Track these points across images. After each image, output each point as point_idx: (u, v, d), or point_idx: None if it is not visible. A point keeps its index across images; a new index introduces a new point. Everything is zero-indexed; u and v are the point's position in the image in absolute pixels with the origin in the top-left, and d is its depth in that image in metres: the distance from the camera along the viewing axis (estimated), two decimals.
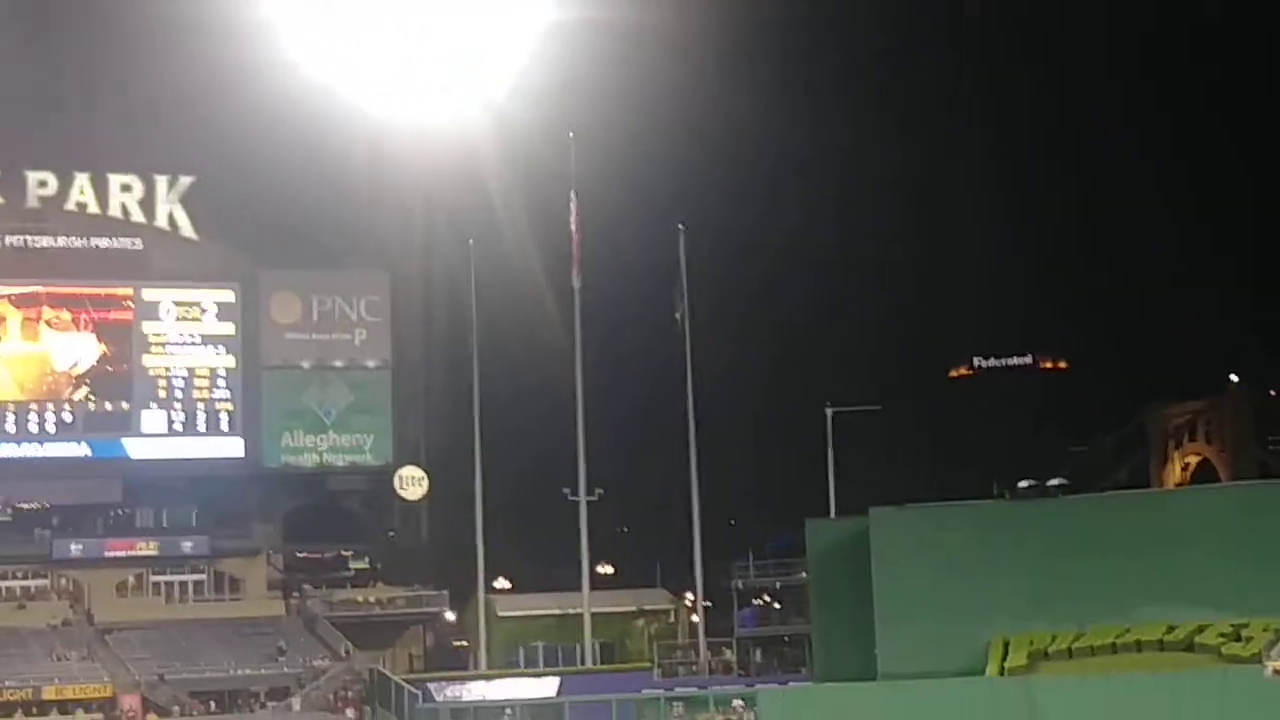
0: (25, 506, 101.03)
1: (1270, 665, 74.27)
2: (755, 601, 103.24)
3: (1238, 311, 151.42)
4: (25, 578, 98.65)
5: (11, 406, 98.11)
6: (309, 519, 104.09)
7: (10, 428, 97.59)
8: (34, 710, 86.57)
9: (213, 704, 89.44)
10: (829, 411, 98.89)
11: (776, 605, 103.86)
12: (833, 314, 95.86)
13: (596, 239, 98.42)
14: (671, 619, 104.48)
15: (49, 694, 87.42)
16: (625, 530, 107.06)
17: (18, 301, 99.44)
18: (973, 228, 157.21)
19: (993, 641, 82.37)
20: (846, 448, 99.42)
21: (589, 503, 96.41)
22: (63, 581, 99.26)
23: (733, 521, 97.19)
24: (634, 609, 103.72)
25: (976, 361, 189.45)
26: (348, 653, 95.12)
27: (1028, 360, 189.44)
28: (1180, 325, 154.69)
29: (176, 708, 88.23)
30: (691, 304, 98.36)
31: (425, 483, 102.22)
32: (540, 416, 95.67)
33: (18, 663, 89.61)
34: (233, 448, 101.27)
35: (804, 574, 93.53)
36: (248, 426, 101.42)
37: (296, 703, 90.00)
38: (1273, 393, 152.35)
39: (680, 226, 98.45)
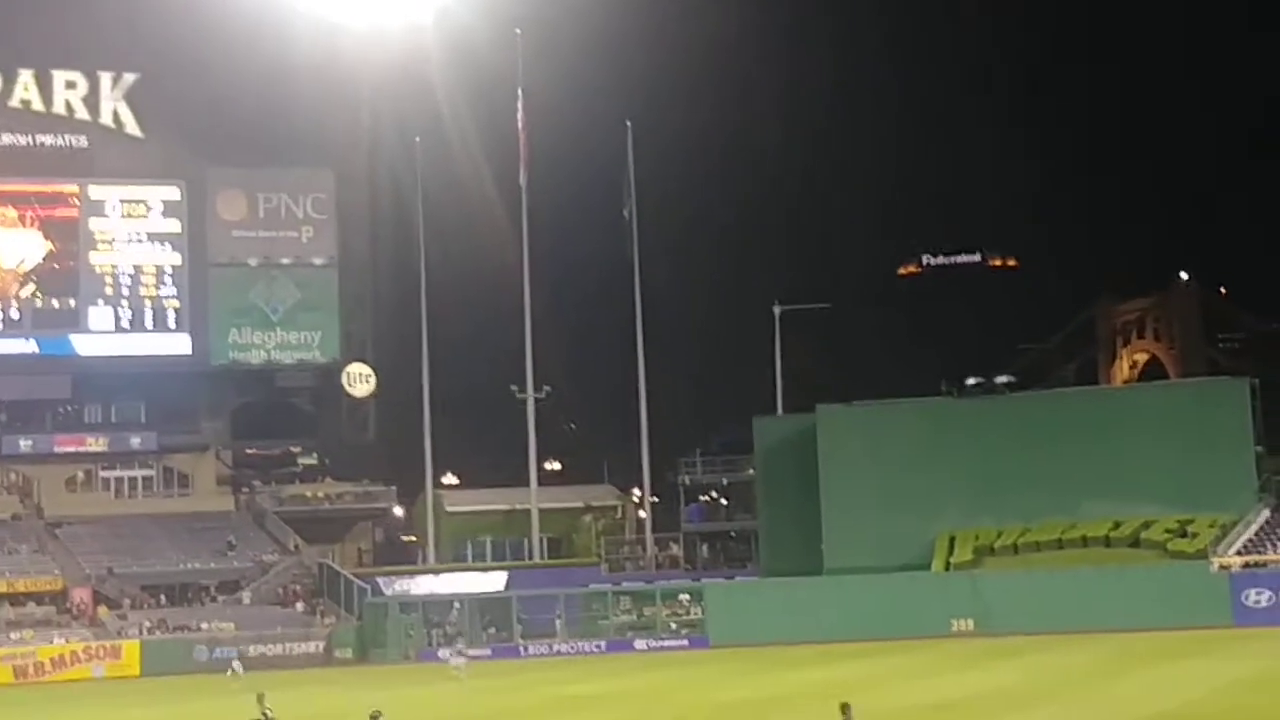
0: None
1: (1216, 561, 75.74)
2: (702, 498, 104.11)
3: (1188, 210, 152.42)
4: None
5: None
6: (257, 415, 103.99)
7: None
8: None
9: (163, 597, 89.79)
10: (777, 309, 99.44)
11: (723, 501, 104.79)
12: (781, 212, 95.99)
13: (544, 137, 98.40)
14: (619, 515, 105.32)
15: (0, 586, 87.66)
16: (573, 427, 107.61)
17: None
18: (923, 126, 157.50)
19: (939, 537, 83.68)
20: (794, 345, 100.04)
21: (537, 400, 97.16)
22: (12, 476, 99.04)
23: (680, 418, 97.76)
24: (581, 505, 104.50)
25: (925, 259, 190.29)
26: (297, 547, 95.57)
27: (976, 258, 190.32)
28: (1130, 223, 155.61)
29: (127, 601, 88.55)
30: (640, 202, 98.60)
31: (373, 380, 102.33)
32: (488, 314, 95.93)
33: None
34: (180, 345, 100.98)
35: (751, 470, 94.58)
36: (195, 323, 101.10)
37: (246, 596, 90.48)
38: (1222, 290, 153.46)
39: (628, 123, 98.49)
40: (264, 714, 36.08)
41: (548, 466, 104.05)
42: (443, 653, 72.24)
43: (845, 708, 24.69)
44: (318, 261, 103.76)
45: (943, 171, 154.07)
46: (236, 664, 69.03)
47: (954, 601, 78.97)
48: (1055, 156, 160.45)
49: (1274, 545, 77.64)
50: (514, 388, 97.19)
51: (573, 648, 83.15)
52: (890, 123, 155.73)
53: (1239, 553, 77.36)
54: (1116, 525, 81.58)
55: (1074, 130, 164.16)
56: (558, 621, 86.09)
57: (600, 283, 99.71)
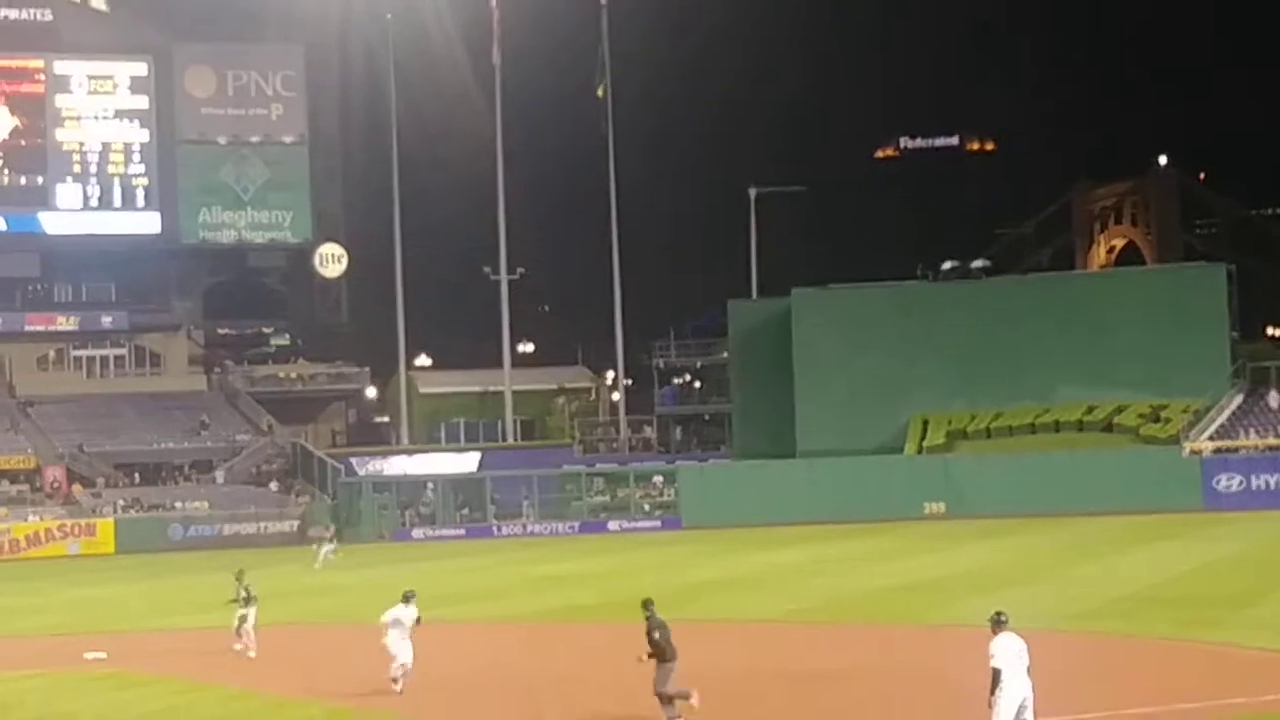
0: None
1: (1188, 446, 76.11)
2: (676, 380, 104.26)
3: (1170, 93, 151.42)
4: None
5: None
6: (229, 295, 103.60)
7: None
8: None
9: (137, 476, 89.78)
10: (752, 192, 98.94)
11: (697, 384, 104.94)
12: (758, 94, 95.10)
13: (517, 15, 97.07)
14: (592, 397, 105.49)
15: None
16: (546, 308, 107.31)
17: None
18: (901, 6, 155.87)
19: (912, 420, 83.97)
20: (770, 229, 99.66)
21: (510, 281, 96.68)
22: None
23: (655, 301, 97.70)
24: (555, 387, 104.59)
25: (903, 143, 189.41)
26: (270, 428, 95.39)
27: (954, 141, 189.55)
28: (1108, 106, 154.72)
29: (101, 479, 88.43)
30: (616, 84, 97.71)
31: (345, 260, 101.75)
32: (461, 194, 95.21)
33: None
34: (149, 223, 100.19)
35: (725, 353, 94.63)
36: (164, 202, 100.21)
37: (220, 476, 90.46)
38: (1201, 176, 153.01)
39: (602, 2, 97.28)
40: (243, 591, 35.92)
41: (521, 348, 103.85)
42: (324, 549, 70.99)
43: (647, 604, 24.99)
44: (288, 140, 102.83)
45: (921, 53, 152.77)
46: (327, 548, 66.83)
47: (926, 485, 79.30)
48: (1036, 37, 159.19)
49: (1245, 431, 78.04)
50: (487, 269, 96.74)
51: (546, 529, 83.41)
52: (870, 2, 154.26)
53: (1211, 438, 77.77)
54: (1090, 410, 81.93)
55: (1055, 9, 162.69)
56: (530, 503, 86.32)
57: (575, 164, 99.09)
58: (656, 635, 24.65)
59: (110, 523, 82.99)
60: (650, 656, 24.67)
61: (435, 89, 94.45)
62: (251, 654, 35.36)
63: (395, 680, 28.94)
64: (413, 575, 58.71)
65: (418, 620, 29.38)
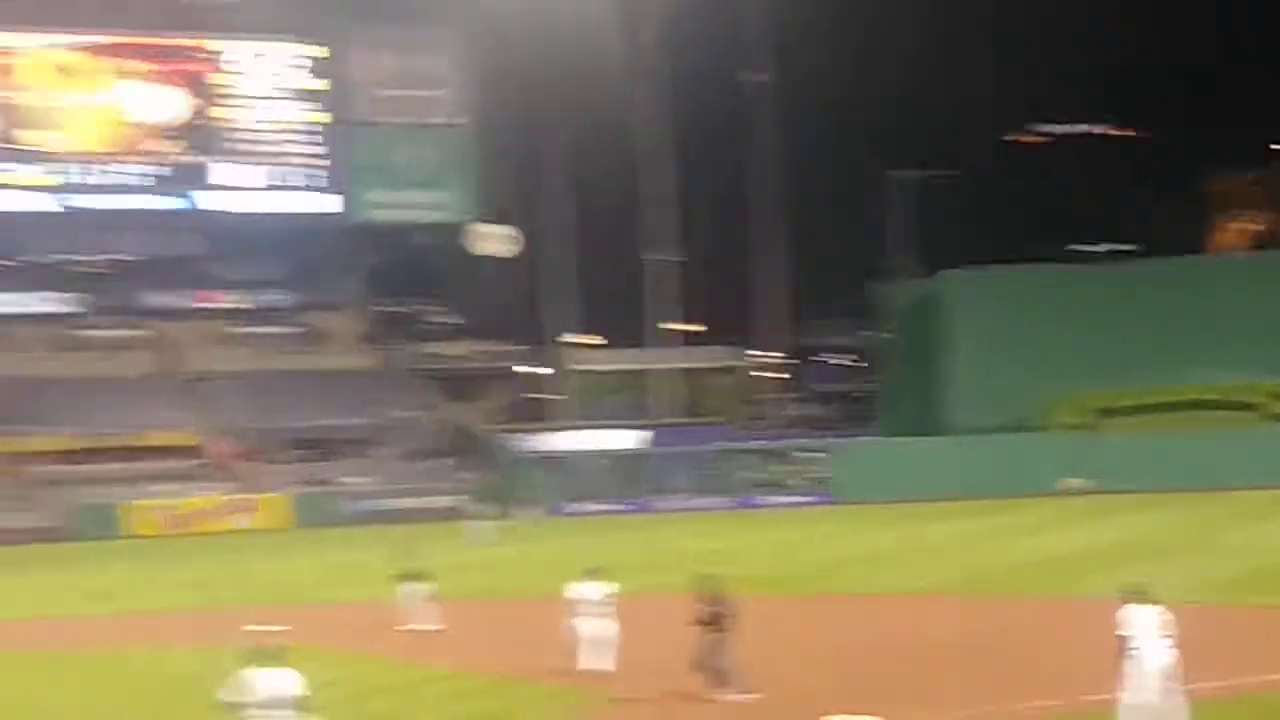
0: (116, 258, 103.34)
1: None
2: (828, 359, 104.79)
3: None
4: (119, 328, 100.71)
5: (100, 158, 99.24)
6: (396, 274, 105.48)
7: (100, 179, 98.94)
8: (130, 456, 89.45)
9: (305, 452, 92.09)
10: (899, 175, 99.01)
11: (849, 363, 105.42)
12: (909, 76, 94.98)
13: None
14: (748, 375, 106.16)
15: (144, 440, 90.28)
16: (705, 287, 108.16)
17: (106, 53, 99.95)
18: None
19: (1055, 398, 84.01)
20: (920, 211, 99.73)
21: (668, 261, 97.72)
22: (155, 332, 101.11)
23: (808, 282, 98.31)
24: (713, 365, 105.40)
25: (1048, 127, 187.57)
26: (434, 405, 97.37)
27: (1098, 127, 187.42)
28: (1246, 93, 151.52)
29: (269, 455, 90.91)
30: (772, 63, 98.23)
31: (508, 239, 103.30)
32: (619, 174, 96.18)
33: (113, 410, 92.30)
34: (319, 203, 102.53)
35: (875, 333, 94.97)
36: (333, 181, 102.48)
37: (386, 452, 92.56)
38: None
39: None
40: (410, 569, 36.42)
41: (679, 327, 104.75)
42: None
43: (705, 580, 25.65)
44: (454, 122, 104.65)
45: (1064, 38, 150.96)
46: (485, 524, 67.95)
47: (1070, 461, 79.35)
48: (1181, 22, 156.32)
49: None
50: (644, 250, 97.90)
51: (702, 504, 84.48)
52: None
53: None
54: (1224, 389, 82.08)
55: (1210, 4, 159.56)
56: (687, 478, 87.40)
57: (731, 144, 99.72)
58: (714, 608, 25.10)
59: (278, 498, 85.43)
60: (702, 624, 25.01)
61: (598, 69, 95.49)
62: (432, 628, 35.28)
63: (583, 659, 27.65)
64: (573, 549, 60.14)
65: (609, 596, 27.96)
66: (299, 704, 18.48)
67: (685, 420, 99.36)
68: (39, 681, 31.65)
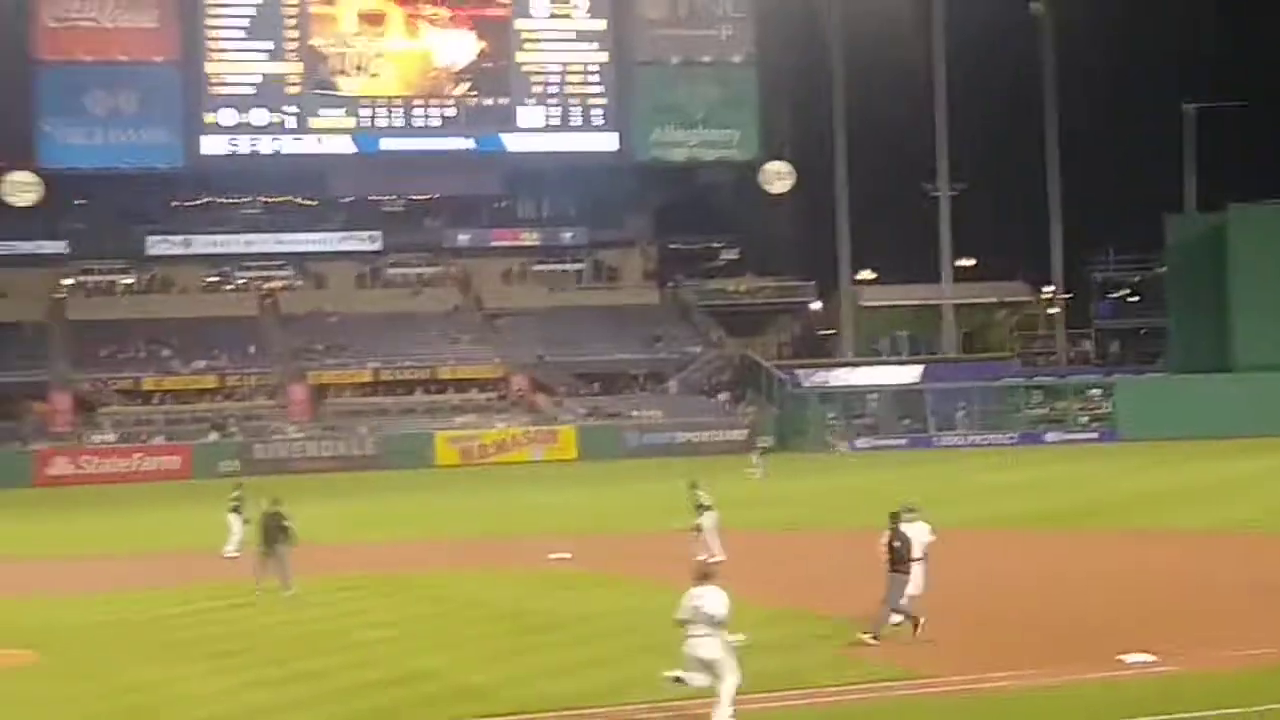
0: (416, 197, 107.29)
1: None
2: (1114, 294, 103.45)
3: None
4: (419, 265, 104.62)
5: (399, 102, 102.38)
6: (681, 211, 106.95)
7: (399, 122, 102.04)
8: (432, 389, 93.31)
9: (595, 386, 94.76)
10: (1190, 108, 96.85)
11: (1135, 298, 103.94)
12: (1196, 7, 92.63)
13: None
14: (1031, 310, 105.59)
15: (445, 374, 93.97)
16: (986, 222, 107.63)
17: (410, 1, 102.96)
18: None
19: None
20: (1208, 144, 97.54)
21: (951, 195, 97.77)
22: (453, 269, 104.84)
23: (1094, 214, 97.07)
24: (994, 300, 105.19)
25: None
26: (719, 340, 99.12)
27: None
28: None
29: (562, 388, 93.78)
30: None
31: (790, 176, 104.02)
32: (902, 108, 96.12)
33: (416, 345, 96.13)
34: (606, 142, 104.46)
35: (1163, 267, 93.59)
36: (620, 121, 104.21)
37: (673, 386, 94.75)
38: None
39: None
40: (696, 500, 37.28)
41: (961, 262, 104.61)
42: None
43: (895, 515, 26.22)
44: (737, 59, 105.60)
45: None
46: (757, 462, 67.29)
47: None
48: None
49: None
50: (927, 185, 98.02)
51: (984, 439, 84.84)
52: None
53: None
54: None
55: None
56: (969, 414, 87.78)
57: (1014, 79, 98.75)
58: (897, 544, 25.32)
59: (571, 430, 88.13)
60: (888, 562, 25.27)
61: (876, 4, 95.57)
62: (719, 558, 35.34)
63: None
64: (856, 485, 61.40)
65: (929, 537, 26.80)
66: (720, 623, 20.08)
67: (968, 356, 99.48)
68: (362, 600, 33.58)
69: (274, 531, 34.03)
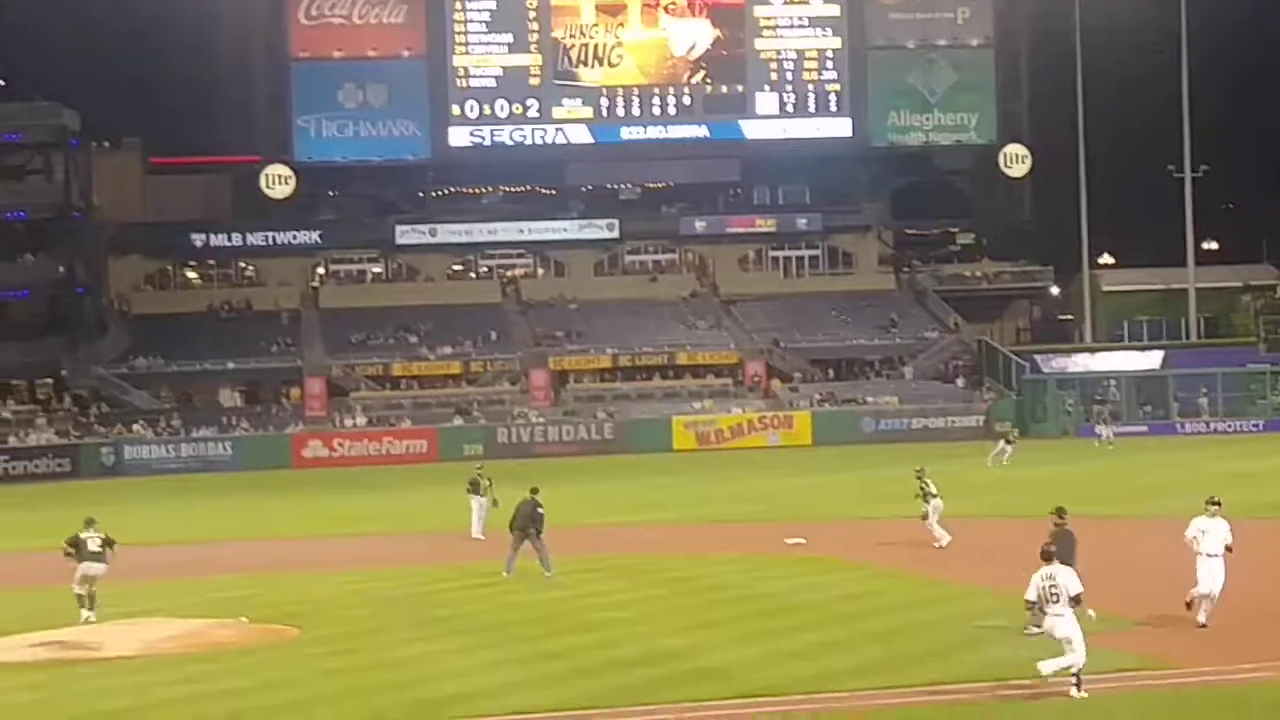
0: (652, 185, 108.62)
1: None
2: None
3: None
4: (656, 252, 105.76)
5: (636, 91, 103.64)
6: (916, 196, 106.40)
7: (636, 111, 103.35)
8: (669, 374, 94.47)
9: (830, 371, 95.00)
10: None
11: None
12: None
13: None
14: (1277, 294, 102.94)
15: (682, 359, 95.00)
16: (1231, 206, 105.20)
17: None
18: None
19: None
20: None
21: (1194, 178, 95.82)
22: (689, 256, 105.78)
23: None
24: (1239, 284, 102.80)
25: None
26: (956, 325, 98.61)
27: None
28: None
29: (797, 374, 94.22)
30: None
31: (1029, 160, 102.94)
32: (1144, 91, 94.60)
33: (654, 331, 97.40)
34: (841, 128, 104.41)
35: None
36: (855, 107, 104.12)
37: (908, 371, 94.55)
38: None
39: None
40: (922, 488, 37.95)
41: (1205, 245, 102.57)
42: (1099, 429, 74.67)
43: (1059, 511, 25.62)
44: (974, 42, 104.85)
45: None
46: (1003, 447, 65.65)
47: None
48: None
49: None
50: (1171, 166, 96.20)
51: (1229, 426, 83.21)
52: None
53: None
54: None
55: None
56: (1212, 400, 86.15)
57: (1259, 59, 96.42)
58: (1052, 546, 23.95)
59: (807, 415, 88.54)
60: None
61: None
62: (941, 544, 37.12)
63: (1191, 605, 25.59)
64: (1095, 472, 60.82)
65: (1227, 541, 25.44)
66: (1075, 599, 20.98)
67: (1211, 341, 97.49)
68: (603, 582, 34.52)
69: (531, 518, 35.03)
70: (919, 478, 38.33)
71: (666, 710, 21.43)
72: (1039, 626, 22.36)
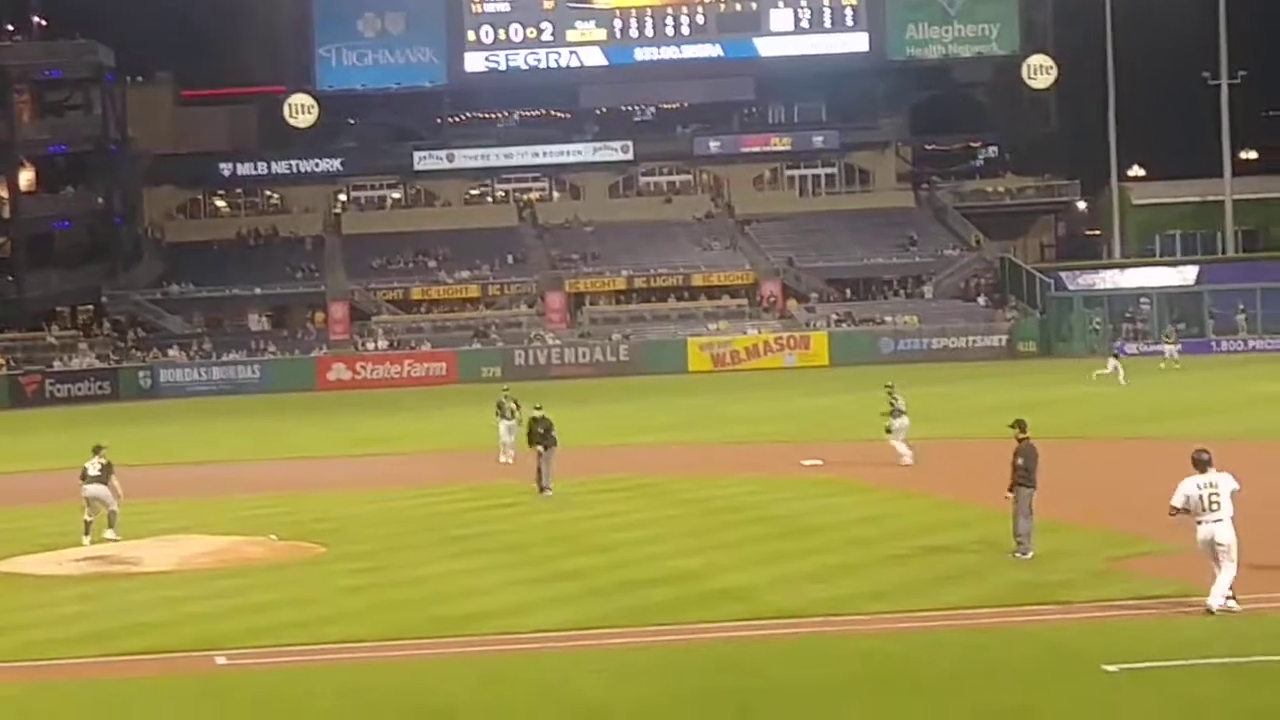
0: (666, 106, 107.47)
1: None
2: None
3: None
4: (670, 173, 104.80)
5: (649, 10, 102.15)
6: (936, 111, 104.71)
7: (649, 31, 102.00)
8: (684, 295, 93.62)
9: (848, 291, 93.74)
10: None
11: None
12: None
13: None
14: None
15: (697, 280, 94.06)
16: (1269, 114, 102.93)
17: None
18: None
19: None
20: None
21: (1231, 85, 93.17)
22: (704, 176, 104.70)
23: None
24: (1278, 195, 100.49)
25: None
26: (978, 242, 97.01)
27: None
28: None
29: (814, 294, 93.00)
30: None
31: (1054, 70, 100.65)
32: None
33: (668, 252, 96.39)
34: (858, 42, 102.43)
35: None
36: (872, 20, 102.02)
37: (928, 290, 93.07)
38: None
39: None
40: (891, 403, 37.89)
41: (1242, 155, 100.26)
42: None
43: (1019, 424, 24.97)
44: None
45: None
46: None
47: None
48: None
49: None
50: (1205, 73, 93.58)
51: (1268, 344, 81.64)
52: None
53: None
54: None
55: None
56: (1250, 317, 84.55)
57: None
58: (1020, 460, 24.65)
59: (824, 336, 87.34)
60: (1011, 486, 24.74)
61: None
62: (904, 462, 37.34)
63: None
64: (1122, 392, 59.63)
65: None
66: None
67: (1249, 255, 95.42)
68: (619, 503, 34.53)
69: (539, 436, 35.82)
70: (889, 393, 38.35)
71: (683, 630, 21.31)
72: (1029, 551, 23.15)
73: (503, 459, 42.01)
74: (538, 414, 36.21)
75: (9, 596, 26.26)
